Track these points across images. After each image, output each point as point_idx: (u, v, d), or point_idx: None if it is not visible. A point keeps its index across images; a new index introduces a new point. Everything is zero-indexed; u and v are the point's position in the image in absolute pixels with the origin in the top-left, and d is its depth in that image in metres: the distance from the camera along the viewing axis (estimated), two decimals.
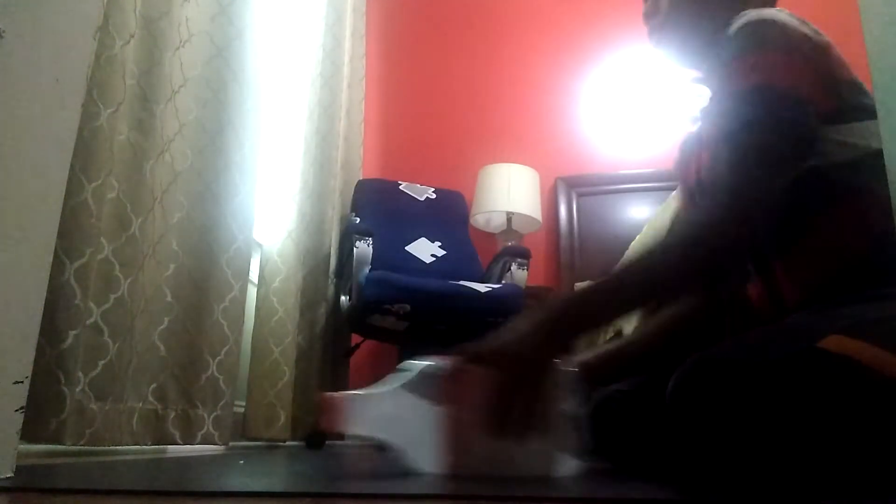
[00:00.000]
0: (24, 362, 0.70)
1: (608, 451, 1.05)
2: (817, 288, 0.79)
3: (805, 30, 0.80)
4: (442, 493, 0.60)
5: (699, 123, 0.98)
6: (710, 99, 0.89)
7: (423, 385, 0.73)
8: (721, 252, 0.71)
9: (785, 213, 0.78)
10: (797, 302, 0.82)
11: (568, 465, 0.73)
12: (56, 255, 0.91)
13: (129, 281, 1.23)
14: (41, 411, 0.99)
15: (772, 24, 0.79)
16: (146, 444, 1.35)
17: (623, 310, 0.76)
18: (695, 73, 1.00)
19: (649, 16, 0.97)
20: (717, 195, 0.74)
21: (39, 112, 0.74)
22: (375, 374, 2.95)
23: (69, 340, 1.04)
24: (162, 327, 1.42)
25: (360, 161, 2.87)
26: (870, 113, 0.77)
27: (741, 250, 0.73)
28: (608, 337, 2.11)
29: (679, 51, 0.97)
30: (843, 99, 0.78)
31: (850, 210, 0.77)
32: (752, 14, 0.81)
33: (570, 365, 0.74)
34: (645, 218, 2.57)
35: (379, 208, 2.60)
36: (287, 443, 1.99)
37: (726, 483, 0.66)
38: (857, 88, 0.80)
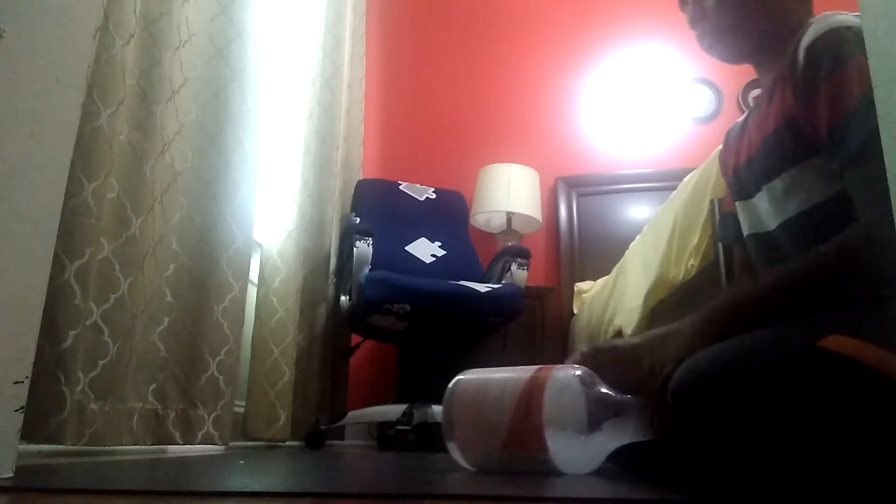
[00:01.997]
0: (24, 362, 0.70)
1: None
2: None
3: None
4: (442, 494, 0.60)
5: (750, 113, 0.98)
6: (765, 96, 0.89)
7: None
8: (863, 264, 0.70)
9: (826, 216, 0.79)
10: None
11: None
12: (56, 255, 0.91)
13: (129, 281, 1.23)
14: (41, 411, 0.99)
15: (850, 29, 0.77)
16: (146, 445, 1.35)
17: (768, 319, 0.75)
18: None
19: (696, 20, 0.96)
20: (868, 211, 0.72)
21: (39, 112, 0.74)
22: (376, 374, 2.93)
23: (69, 340, 1.04)
24: (162, 327, 1.42)
25: (360, 161, 2.87)
26: None
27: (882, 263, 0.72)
28: (609, 336, 2.11)
29: (731, 51, 0.95)
30: None
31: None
32: (832, 20, 0.78)
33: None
34: (645, 218, 2.57)
35: (379, 208, 2.60)
36: (287, 443, 1.99)
37: (727, 483, 0.66)
38: None
